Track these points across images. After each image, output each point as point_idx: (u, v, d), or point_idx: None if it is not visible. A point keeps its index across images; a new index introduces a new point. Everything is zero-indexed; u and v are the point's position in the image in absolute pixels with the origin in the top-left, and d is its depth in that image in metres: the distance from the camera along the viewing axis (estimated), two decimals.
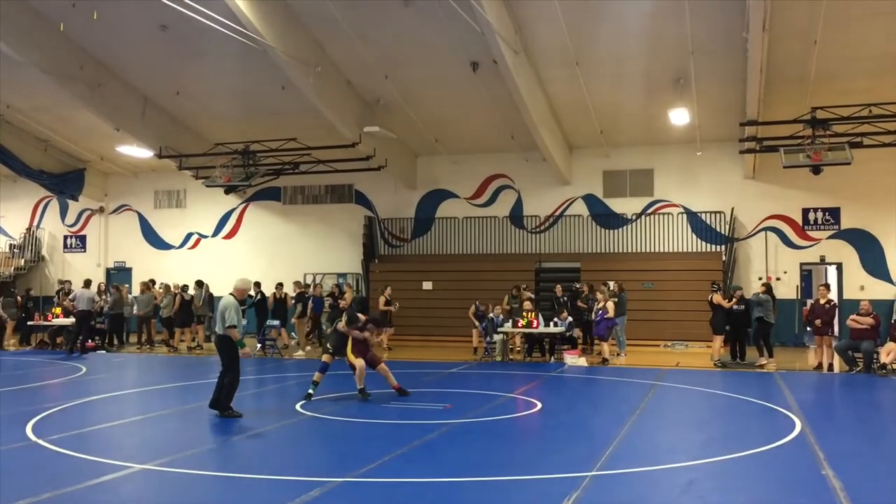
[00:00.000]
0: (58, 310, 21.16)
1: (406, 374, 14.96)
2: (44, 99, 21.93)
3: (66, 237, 29.08)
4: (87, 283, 20.89)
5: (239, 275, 22.77)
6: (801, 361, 17.70)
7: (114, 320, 21.52)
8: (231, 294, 11.03)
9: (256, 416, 10.63)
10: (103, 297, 22.29)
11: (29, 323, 22.09)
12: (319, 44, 18.82)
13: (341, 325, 12.32)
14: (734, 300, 17.21)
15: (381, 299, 20.44)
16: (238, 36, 16.00)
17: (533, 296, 19.90)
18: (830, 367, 16.14)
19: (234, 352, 10.72)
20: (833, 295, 21.50)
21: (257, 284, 20.68)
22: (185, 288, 21.15)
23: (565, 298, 19.62)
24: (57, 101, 21.71)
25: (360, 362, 12.06)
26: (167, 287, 21.89)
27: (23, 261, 28.59)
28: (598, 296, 18.29)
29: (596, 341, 18.62)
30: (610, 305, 17.69)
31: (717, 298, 17.22)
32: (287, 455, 8.76)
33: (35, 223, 29.26)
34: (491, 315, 18.55)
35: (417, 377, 15.00)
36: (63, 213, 29.02)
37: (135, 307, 22.00)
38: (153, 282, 22.61)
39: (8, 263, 28.54)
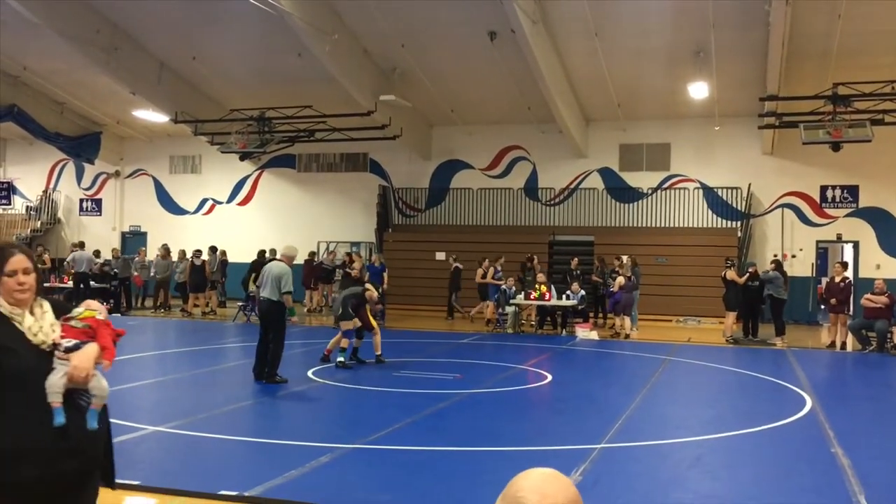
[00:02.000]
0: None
1: (417, 344, 15.05)
2: (60, 62, 21.92)
3: (81, 200, 29.24)
4: (82, 245, 21.21)
5: (253, 241, 23.17)
6: (815, 339, 17.66)
7: (122, 283, 21.85)
8: (281, 261, 11.05)
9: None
10: (116, 261, 22.53)
11: (45, 285, 22.28)
12: (336, 11, 18.68)
13: (373, 294, 12.49)
14: (748, 276, 17.12)
15: (479, 272, 19.73)
16: (255, 1, 15.89)
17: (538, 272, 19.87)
18: (844, 345, 16.09)
19: (284, 318, 10.83)
20: (849, 273, 21.42)
21: (274, 252, 20.77)
22: (198, 253, 21.27)
23: (578, 272, 19.57)
24: (73, 64, 21.71)
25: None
26: (182, 253, 22.02)
27: (39, 223, 28.80)
28: (618, 270, 18.20)
29: (610, 316, 18.61)
30: (619, 280, 17.63)
31: (731, 274, 17.13)
32: (298, 421, 8.84)
33: (51, 186, 29.41)
34: (504, 287, 18.55)
35: (429, 347, 15.06)
36: (79, 176, 29.13)
37: (153, 271, 22.17)
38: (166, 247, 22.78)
39: (25, 225, 28.75)
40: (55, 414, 3.02)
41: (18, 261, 3.19)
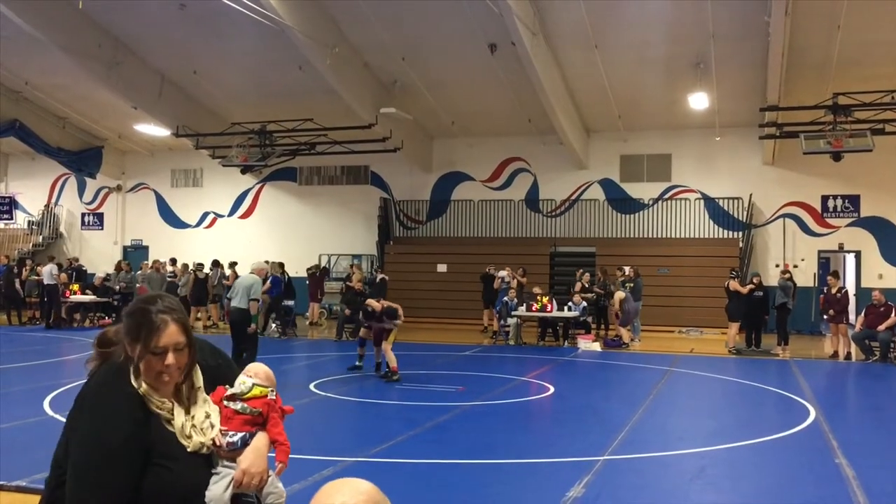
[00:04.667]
0: (75, 286, 21.33)
1: (419, 357, 15.01)
2: (62, 77, 22.00)
3: (83, 215, 29.28)
4: (51, 259, 21.74)
5: (255, 255, 23.13)
6: (818, 349, 17.61)
7: (125, 298, 21.88)
8: (253, 273, 11.89)
9: None
10: (119, 274, 22.59)
11: (45, 299, 22.27)
12: (337, 25, 18.75)
13: (375, 307, 12.27)
14: (751, 286, 17.08)
15: (578, 285, 18.64)
16: (256, 15, 15.96)
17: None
18: (848, 355, 16.02)
19: (250, 325, 11.46)
20: (851, 283, 21.39)
21: (281, 265, 20.94)
22: (200, 266, 21.30)
23: (588, 284, 19.52)
24: (75, 78, 21.78)
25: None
26: (185, 266, 22.05)
27: (41, 238, 28.82)
28: (614, 288, 18.28)
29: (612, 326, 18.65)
30: (619, 295, 17.70)
31: (734, 285, 17.10)
32: (299, 434, 8.76)
33: (53, 200, 29.46)
34: (505, 299, 18.53)
35: (431, 359, 15.03)
36: (81, 190, 29.19)
37: (147, 285, 22.16)
38: (174, 260, 22.79)
39: (26, 240, 28.78)
40: None
41: (172, 334, 2.29)
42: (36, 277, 22.05)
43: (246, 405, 2.39)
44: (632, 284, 18.26)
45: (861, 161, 18.88)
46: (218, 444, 2.32)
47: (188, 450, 2.27)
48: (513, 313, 18.07)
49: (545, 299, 17.78)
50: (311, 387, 11.29)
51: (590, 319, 18.74)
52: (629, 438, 8.25)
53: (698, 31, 17.20)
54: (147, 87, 21.88)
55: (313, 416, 9.82)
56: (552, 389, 11.61)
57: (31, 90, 23.73)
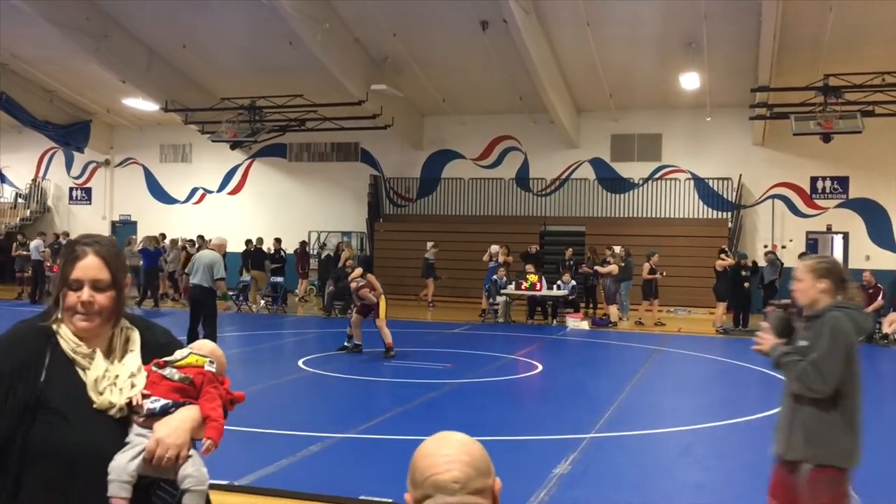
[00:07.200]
0: None
1: (409, 334, 15.05)
2: (50, 50, 21.73)
3: (71, 189, 29.08)
4: (41, 234, 21.75)
5: (244, 231, 23.08)
6: None
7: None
8: (212, 249, 11.72)
9: (259, 371, 10.71)
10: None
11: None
12: (327, 0, 18.62)
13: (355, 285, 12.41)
14: (731, 261, 17.13)
15: (647, 266, 17.97)
16: None
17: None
18: None
19: (215, 304, 11.32)
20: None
21: (278, 241, 21.03)
22: (191, 243, 21.24)
23: (571, 262, 19.61)
24: (63, 52, 21.52)
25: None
26: (174, 242, 21.96)
27: (28, 212, 28.62)
28: (610, 259, 18.30)
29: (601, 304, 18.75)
30: (612, 268, 17.77)
31: (721, 263, 17.14)
32: (288, 410, 8.83)
33: (41, 174, 29.23)
34: (495, 277, 18.57)
35: (420, 337, 15.08)
36: (69, 164, 28.95)
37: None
38: (163, 235, 22.73)
39: (14, 214, 28.57)
40: None
41: (89, 267, 2.04)
42: (24, 252, 21.94)
43: (175, 370, 2.10)
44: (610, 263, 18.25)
45: (850, 143, 18.92)
46: (136, 403, 2.03)
47: (94, 405, 2.00)
48: (502, 291, 18.12)
49: (535, 278, 17.82)
50: (300, 363, 11.32)
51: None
52: (616, 416, 8.32)
53: (690, 11, 17.14)
54: (136, 61, 21.68)
55: (302, 392, 9.86)
56: (540, 367, 11.68)
57: (19, 63, 23.46)
